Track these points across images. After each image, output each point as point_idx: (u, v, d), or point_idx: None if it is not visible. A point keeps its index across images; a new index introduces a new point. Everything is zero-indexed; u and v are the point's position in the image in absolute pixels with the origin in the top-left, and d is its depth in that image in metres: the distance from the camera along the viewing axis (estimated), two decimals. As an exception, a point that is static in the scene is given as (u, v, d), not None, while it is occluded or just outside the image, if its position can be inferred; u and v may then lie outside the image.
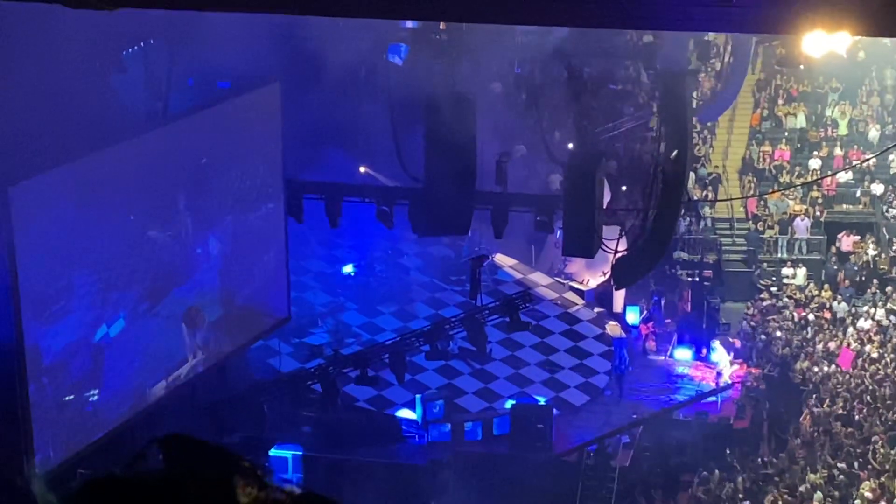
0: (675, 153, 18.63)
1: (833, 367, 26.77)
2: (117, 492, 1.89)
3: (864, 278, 31.30)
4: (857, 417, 24.18)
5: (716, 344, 27.63)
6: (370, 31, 20.46)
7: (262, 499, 1.91)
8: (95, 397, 18.81)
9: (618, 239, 20.55)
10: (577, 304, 29.07)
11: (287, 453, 23.15)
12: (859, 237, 32.73)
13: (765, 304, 30.59)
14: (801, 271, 32.06)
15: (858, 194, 33.87)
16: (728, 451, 23.53)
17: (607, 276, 24.90)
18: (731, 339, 28.09)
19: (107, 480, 1.89)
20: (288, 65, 20.57)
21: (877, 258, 31.87)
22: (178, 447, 1.94)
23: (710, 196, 33.62)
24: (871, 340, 27.88)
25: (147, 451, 1.95)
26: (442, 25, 19.25)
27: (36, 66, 16.22)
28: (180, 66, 18.79)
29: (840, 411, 24.58)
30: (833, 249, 32.25)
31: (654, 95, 21.64)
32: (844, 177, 34.07)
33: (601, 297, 29.11)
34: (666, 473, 23.46)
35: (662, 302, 29.35)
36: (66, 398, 18.20)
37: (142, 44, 18.45)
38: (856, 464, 22.33)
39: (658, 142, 19.30)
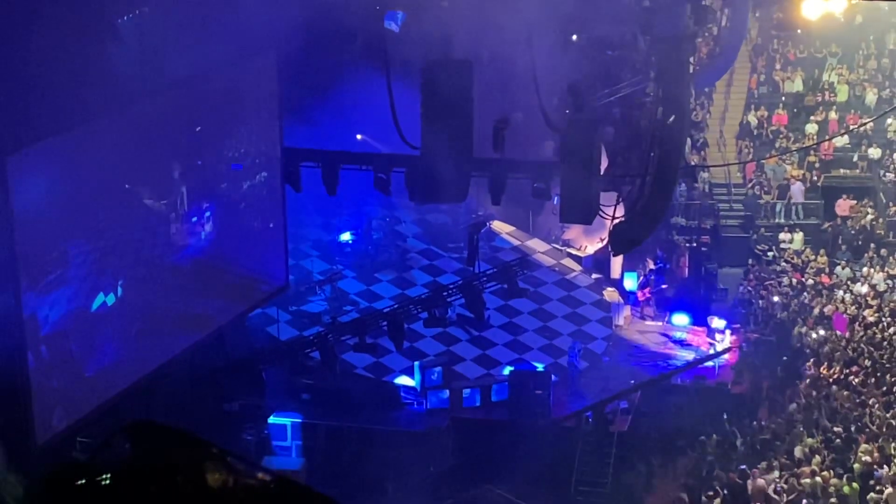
0: (672, 118, 18.57)
1: (830, 331, 26.82)
2: (86, 479, 1.86)
3: (861, 243, 31.31)
4: (854, 381, 24.23)
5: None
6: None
7: (231, 483, 1.89)
8: (94, 366, 18.81)
9: (615, 205, 20.49)
10: (574, 271, 29.09)
11: (286, 420, 23.21)
12: (856, 201, 32.73)
13: (762, 268, 30.61)
14: (799, 236, 32.09)
15: (856, 159, 33.85)
16: (725, 416, 23.58)
17: (605, 242, 24.88)
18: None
19: (75, 467, 1.87)
20: (284, 33, 20.45)
21: (874, 222, 31.87)
22: (145, 434, 1.92)
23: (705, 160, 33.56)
24: (868, 305, 27.91)
25: (113, 439, 1.93)
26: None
27: (30, 35, 16.11)
28: (175, 34, 18.65)
29: (837, 375, 24.64)
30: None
31: (651, 61, 21.52)
32: (842, 141, 34.04)
33: (599, 263, 29.12)
34: (663, 438, 23.52)
35: (664, 266, 29.29)
36: (65, 367, 18.20)
37: (136, 12, 18.31)
38: (853, 427, 22.39)
39: (655, 107, 19.22)
